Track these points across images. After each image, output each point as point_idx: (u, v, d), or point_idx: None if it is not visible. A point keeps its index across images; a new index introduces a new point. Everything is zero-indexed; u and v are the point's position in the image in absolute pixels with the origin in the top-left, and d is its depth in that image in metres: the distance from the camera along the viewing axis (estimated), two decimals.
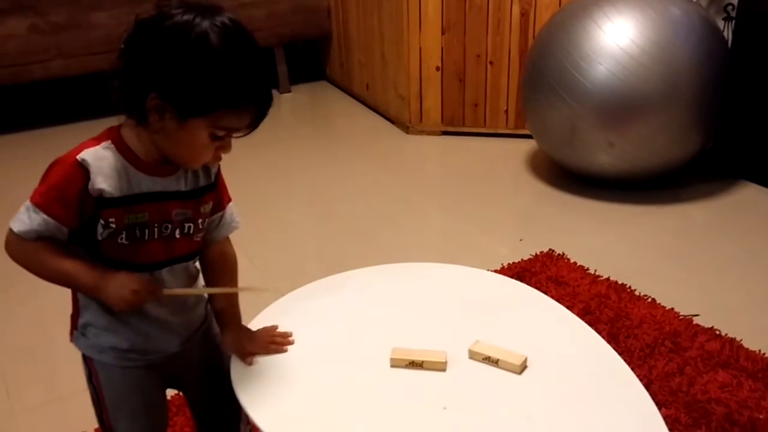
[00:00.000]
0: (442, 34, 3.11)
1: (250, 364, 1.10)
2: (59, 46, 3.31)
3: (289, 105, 3.83)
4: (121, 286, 0.98)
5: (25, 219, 0.95)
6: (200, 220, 1.07)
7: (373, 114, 3.58)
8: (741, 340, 1.78)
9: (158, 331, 1.08)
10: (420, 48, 3.15)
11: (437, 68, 3.16)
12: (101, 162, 0.96)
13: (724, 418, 1.53)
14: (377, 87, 3.54)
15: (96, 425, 1.16)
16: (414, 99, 3.23)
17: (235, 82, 0.93)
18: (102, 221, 0.97)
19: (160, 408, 1.17)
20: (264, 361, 1.11)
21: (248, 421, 1.02)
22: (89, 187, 0.95)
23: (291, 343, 1.14)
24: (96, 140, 0.98)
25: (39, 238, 0.96)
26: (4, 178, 2.99)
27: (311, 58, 4.16)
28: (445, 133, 3.26)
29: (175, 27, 0.91)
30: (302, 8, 3.77)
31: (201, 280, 1.15)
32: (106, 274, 0.99)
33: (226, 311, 1.14)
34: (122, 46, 0.95)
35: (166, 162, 1.00)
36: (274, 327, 1.17)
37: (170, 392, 1.24)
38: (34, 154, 3.06)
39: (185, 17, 0.92)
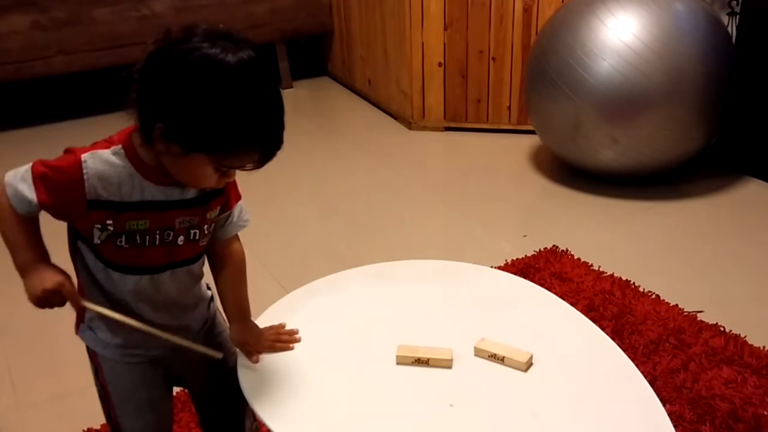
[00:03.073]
0: (445, 29, 3.10)
1: (256, 362, 1.10)
2: (61, 42, 3.31)
3: (291, 101, 3.82)
4: (38, 281, 0.97)
5: (18, 176, 0.95)
6: (206, 226, 1.06)
7: (376, 110, 3.58)
8: (745, 336, 1.78)
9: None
10: (422, 44, 3.14)
11: (440, 64, 3.16)
12: (105, 166, 0.96)
13: (729, 415, 1.53)
14: (379, 83, 3.53)
15: (102, 421, 1.16)
16: (416, 95, 3.23)
17: (241, 127, 0.92)
18: (98, 225, 0.98)
19: (165, 404, 1.18)
20: (270, 360, 1.11)
21: (255, 419, 1.03)
22: (86, 188, 0.95)
23: (297, 340, 1.15)
24: (109, 142, 0.99)
25: (15, 197, 0.95)
26: None
27: (313, 54, 4.16)
28: (447, 128, 3.26)
29: (190, 64, 0.89)
30: (304, 4, 3.76)
31: (203, 282, 1.14)
32: (36, 264, 0.98)
33: (235, 306, 1.14)
34: (144, 60, 0.93)
35: None
36: (281, 325, 1.17)
37: (176, 388, 1.25)
38: (36, 150, 3.02)
39: (205, 52, 0.89)
